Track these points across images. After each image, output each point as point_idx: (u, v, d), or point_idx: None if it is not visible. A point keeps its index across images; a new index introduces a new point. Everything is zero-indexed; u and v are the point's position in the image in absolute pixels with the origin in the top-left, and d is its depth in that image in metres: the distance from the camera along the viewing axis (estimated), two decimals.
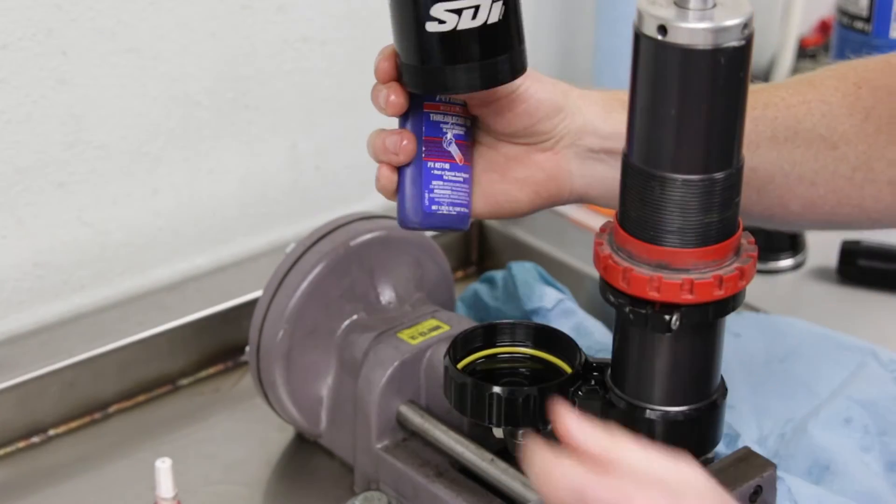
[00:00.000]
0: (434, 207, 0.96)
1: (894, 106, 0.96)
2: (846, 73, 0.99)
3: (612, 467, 0.70)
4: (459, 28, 0.89)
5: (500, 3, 0.89)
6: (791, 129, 0.96)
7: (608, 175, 0.97)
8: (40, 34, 1.17)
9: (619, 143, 0.96)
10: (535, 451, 0.72)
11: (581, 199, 1.00)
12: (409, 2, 0.89)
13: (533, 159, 0.97)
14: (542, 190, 0.98)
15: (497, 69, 0.91)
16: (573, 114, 0.97)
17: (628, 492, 0.69)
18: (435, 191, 0.96)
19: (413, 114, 0.95)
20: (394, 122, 0.96)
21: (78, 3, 1.18)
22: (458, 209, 0.97)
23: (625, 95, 0.97)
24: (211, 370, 1.26)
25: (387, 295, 1.13)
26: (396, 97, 0.94)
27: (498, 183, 0.98)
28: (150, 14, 1.23)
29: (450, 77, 0.91)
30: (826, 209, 0.98)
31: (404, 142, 0.94)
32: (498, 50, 0.90)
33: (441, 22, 0.89)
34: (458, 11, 0.88)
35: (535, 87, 0.95)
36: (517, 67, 0.92)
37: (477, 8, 0.88)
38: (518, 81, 0.93)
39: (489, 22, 0.89)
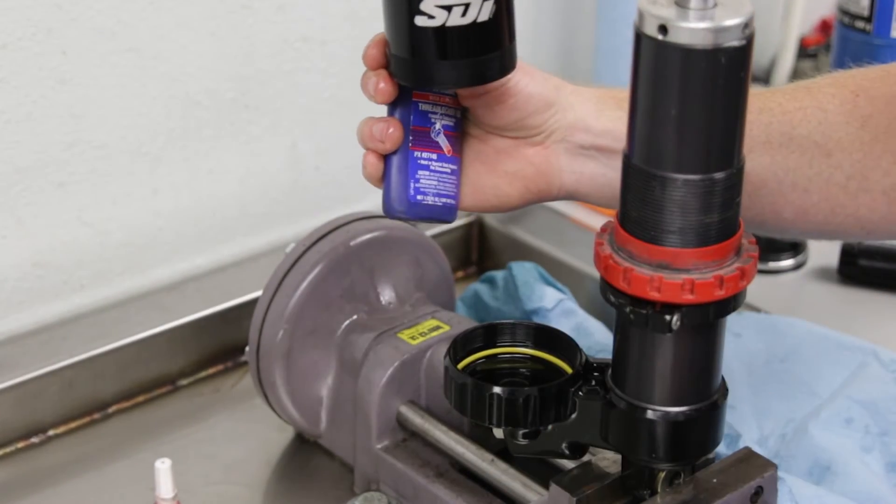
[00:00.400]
0: (419, 197, 0.96)
1: (892, 115, 0.96)
2: (845, 81, 0.98)
3: None
4: (448, 24, 0.89)
5: (492, 1, 0.89)
6: (786, 134, 0.96)
7: (598, 172, 0.97)
8: (40, 34, 1.17)
9: (611, 140, 0.96)
10: None
11: (571, 196, 1.00)
12: None
13: (523, 153, 0.97)
14: (531, 185, 0.98)
15: (486, 67, 0.91)
16: (565, 109, 0.96)
17: None
18: (421, 181, 0.96)
19: (402, 102, 0.95)
20: (385, 112, 0.96)
21: (78, 3, 1.18)
22: (444, 200, 0.97)
23: (620, 93, 0.97)
24: (211, 370, 1.26)
25: (387, 295, 1.13)
26: (385, 84, 0.93)
27: (486, 176, 0.98)
28: (150, 14, 1.23)
29: (437, 72, 0.91)
30: (819, 217, 0.98)
31: (390, 129, 0.94)
32: (488, 47, 0.90)
33: (430, 17, 0.89)
34: (448, 8, 0.88)
35: (525, 80, 0.95)
36: (507, 65, 0.92)
37: (467, 6, 0.88)
38: (509, 75, 0.93)
39: (479, 20, 0.89)
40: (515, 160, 0.97)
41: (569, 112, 0.96)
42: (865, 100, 0.96)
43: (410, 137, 0.95)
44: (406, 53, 0.91)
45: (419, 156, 0.96)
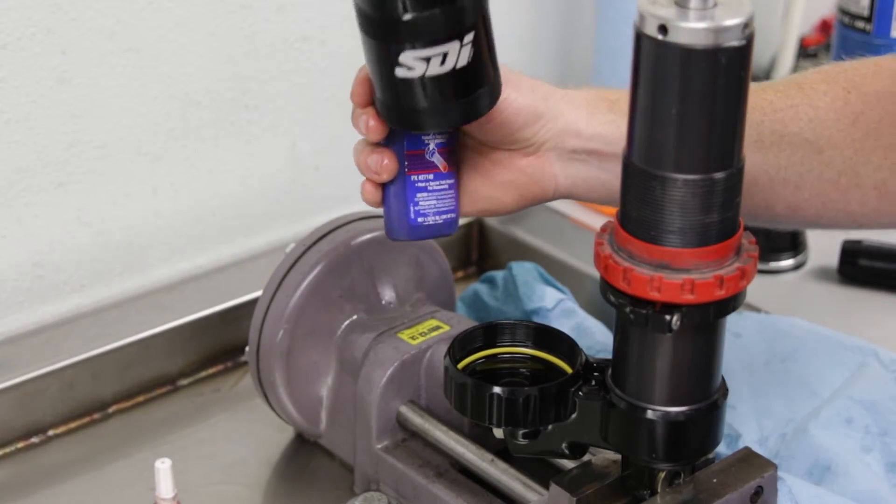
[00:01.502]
0: (420, 220, 0.97)
1: (883, 111, 0.96)
2: (836, 76, 0.98)
3: None
4: (428, 75, 0.88)
5: (469, 45, 0.88)
6: (777, 132, 0.96)
7: (591, 175, 0.98)
8: (40, 34, 1.17)
9: (602, 144, 0.96)
10: None
11: (568, 197, 1.00)
12: (377, 46, 0.88)
13: (516, 164, 0.98)
14: (525, 192, 0.98)
15: (470, 107, 0.91)
16: (554, 118, 0.96)
17: None
18: (420, 203, 0.96)
19: (394, 131, 0.95)
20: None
21: (78, 2, 1.18)
22: (444, 216, 0.97)
23: (613, 94, 0.97)
24: (211, 370, 1.26)
25: (387, 295, 1.13)
26: (375, 123, 0.93)
27: (482, 186, 0.98)
28: (150, 14, 1.23)
29: (421, 117, 0.91)
30: (811, 212, 0.99)
31: (385, 161, 0.94)
32: (469, 89, 0.90)
33: (409, 68, 0.88)
34: (427, 59, 0.87)
35: (513, 95, 0.95)
36: (492, 98, 0.92)
37: (445, 55, 0.87)
38: None
39: (458, 66, 0.88)
40: (510, 171, 0.98)
41: (559, 119, 0.97)
42: (857, 96, 0.96)
43: (406, 163, 0.95)
44: (389, 100, 0.91)
45: (416, 179, 0.96)
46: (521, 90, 0.95)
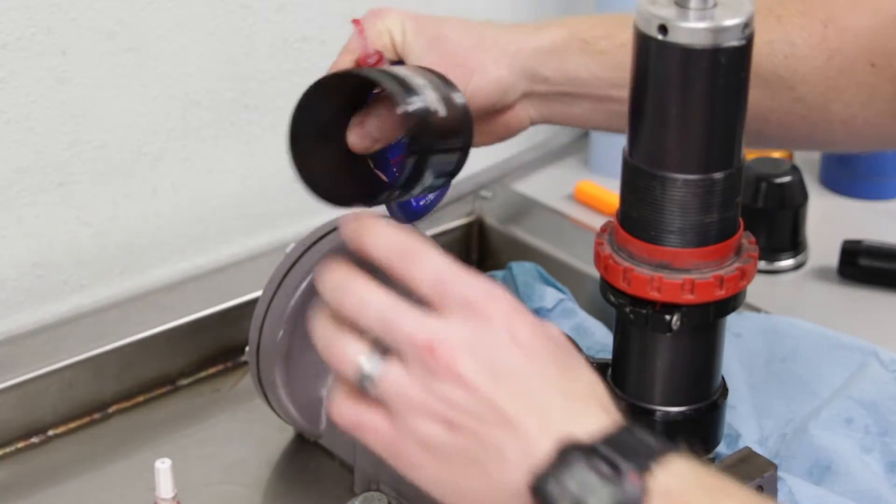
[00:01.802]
0: (422, 202, 0.98)
1: (859, 47, 0.95)
2: (815, 8, 0.97)
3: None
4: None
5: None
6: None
7: (564, 110, 1.00)
8: (40, 34, 1.17)
9: (573, 87, 0.98)
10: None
11: (543, 124, 1.04)
12: None
13: (492, 119, 1.00)
14: (502, 134, 1.02)
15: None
16: (522, 77, 0.99)
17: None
18: None
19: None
20: None
21: (78, 2, 1.18)
22: (440, 182, 0.98)
23: (589, 31, 0.98)
24: (211, 370, 1.26)
25: None
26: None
27: None
28: (150, 14, 1.23)
29: None
30: (774, 142, 1.02)
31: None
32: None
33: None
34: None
35: (482, 82, 0.97)
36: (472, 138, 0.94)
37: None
38: (464, 82, 0.95)
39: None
40: (485, 123, 1.00)
41: (527, 75, 0.99)
42: (834, 32, 0.95)
43: (394, 169, 0.95)
44: None
45: None
46: (486, 72, 0.97)
